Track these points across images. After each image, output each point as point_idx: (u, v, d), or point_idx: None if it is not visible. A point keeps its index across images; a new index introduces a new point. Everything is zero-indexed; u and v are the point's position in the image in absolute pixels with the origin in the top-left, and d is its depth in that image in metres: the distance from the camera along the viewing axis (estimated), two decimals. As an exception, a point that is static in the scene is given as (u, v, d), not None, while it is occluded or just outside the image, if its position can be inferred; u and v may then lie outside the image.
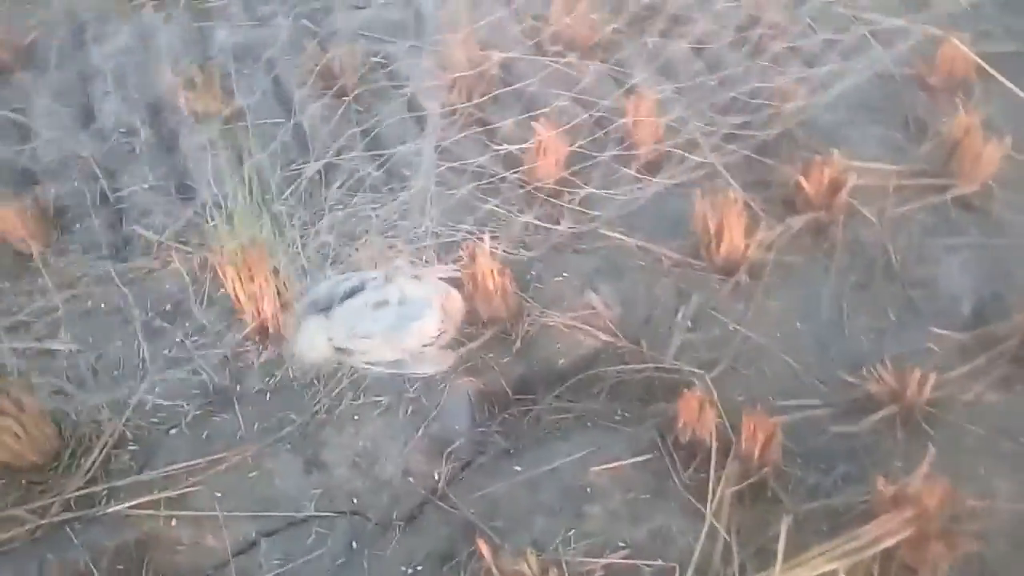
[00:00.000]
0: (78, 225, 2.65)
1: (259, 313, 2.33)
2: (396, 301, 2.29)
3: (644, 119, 2.98)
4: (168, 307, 2.48)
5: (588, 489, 2.20)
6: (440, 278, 2.44)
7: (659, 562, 2.05)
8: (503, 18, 3.54)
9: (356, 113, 3.11)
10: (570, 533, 2.10)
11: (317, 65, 3.15)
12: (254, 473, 2.17)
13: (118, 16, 3.29)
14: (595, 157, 3.06)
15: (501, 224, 2.79)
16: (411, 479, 2.20)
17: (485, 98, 3.18)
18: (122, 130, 2.91)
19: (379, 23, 3.49)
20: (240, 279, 2.26)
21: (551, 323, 2.52)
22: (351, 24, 3.44)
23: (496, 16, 3.54)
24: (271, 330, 2.38)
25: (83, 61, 3.19)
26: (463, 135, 3.03)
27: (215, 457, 2.16)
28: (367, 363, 2.25)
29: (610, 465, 2.23)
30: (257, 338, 2.39)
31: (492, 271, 2.37)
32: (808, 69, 3.32)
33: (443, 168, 2.88)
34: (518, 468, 2.23)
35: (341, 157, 2.89)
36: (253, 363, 2.37)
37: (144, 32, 3.29)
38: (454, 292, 2.38)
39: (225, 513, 2.09)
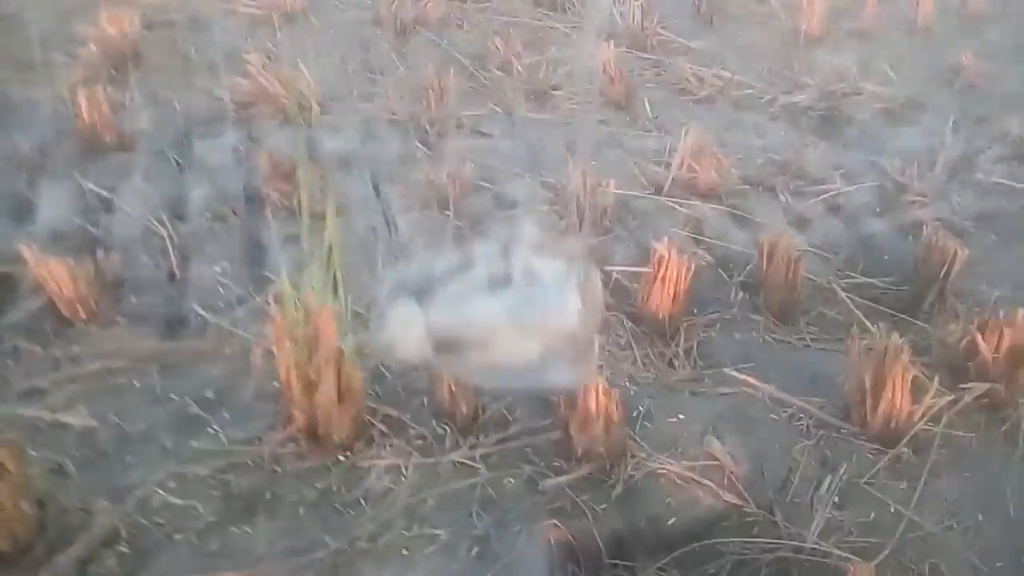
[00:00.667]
0: (134, 298, 2.36)
1: (312, 408, 1.93)
2: (520, 277, 1.31)
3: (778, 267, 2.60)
4: (210, 394, 2.10)
5: None
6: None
7: None
8: (622, 157, 3.32)
9: (456, 228, 2.84)
10: None
11: (423, 179, 2.94)
12: (265, 603, 1.68)
13: (227, 118, 3.21)
14: (717, 298, 2.67)
15: (606, 357, 2.37)
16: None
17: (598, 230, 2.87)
18: (207, 215, 2.70)
19: (494, 152, 3.31)
20: (296, 365, 1.88)
21: (661, 470, 2.02)
22: (464, 147, 3.27)
23: (615, 155, 3.33)
24: (321, 431, 1.96)
25: (186, 152, 3.07)
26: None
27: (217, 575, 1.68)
28: (484, 367, 1.31)
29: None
30: (304, 439, 1.97)
31: (597, 388, 1.93)
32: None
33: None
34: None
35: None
36: (293, 468, 1.94)
37: (253, 133, 3.19)
38: (595, 274, 1.41)
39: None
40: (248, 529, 1.81)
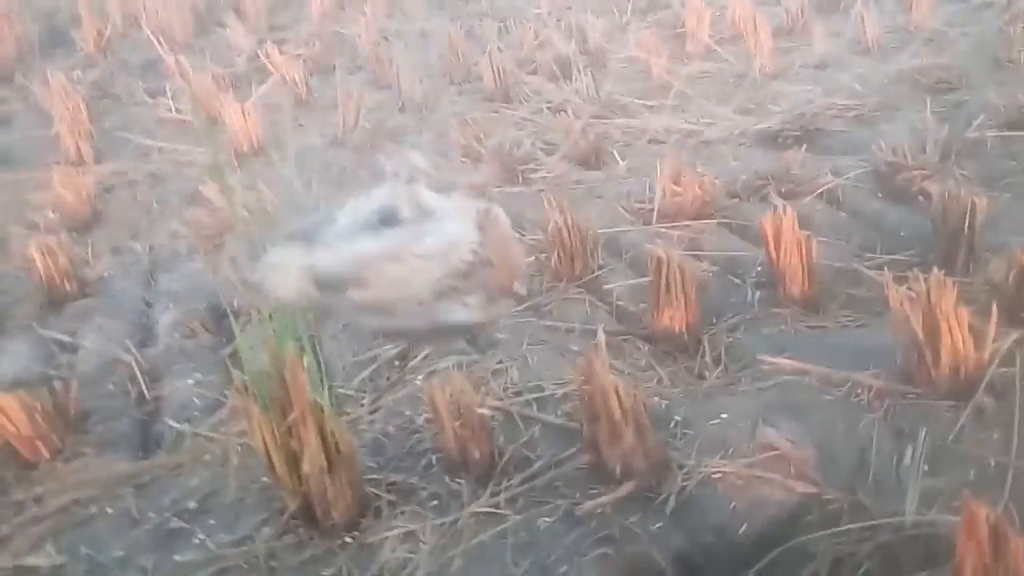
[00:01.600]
0: (101, 427, 2.14)
1: (301, 486, 1.67)
2: (411, 214, 1.23)
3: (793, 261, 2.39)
4: (192, 504, 1.84)
5: None
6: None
7: None
8: (602, 205, 3.18)
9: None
10: None
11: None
12: None
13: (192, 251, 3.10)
14: (733, 303, 2.45)
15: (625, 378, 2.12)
16: None
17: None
18: (176, 334, 2.51)
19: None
20: (271, 433, 1.65)
21: (716, 474, 1.73)
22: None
23: (595, 205, 3.19)
24: (318, 512, 1.69)
25: (151, 288, 2.93)
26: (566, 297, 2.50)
27: None
28: (370, 304, 1.18)
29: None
30: (302, 526, 1.70)
31: (618, 390, 1.67)
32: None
33: (544, 324, 2.32)
34: None
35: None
36: (293, 560, 1.65)
37: (219, 258, 3.06)
38: (498, 210, 1.31)
39: None
40: (248, 635, 1.51)
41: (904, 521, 1.62)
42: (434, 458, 1.87)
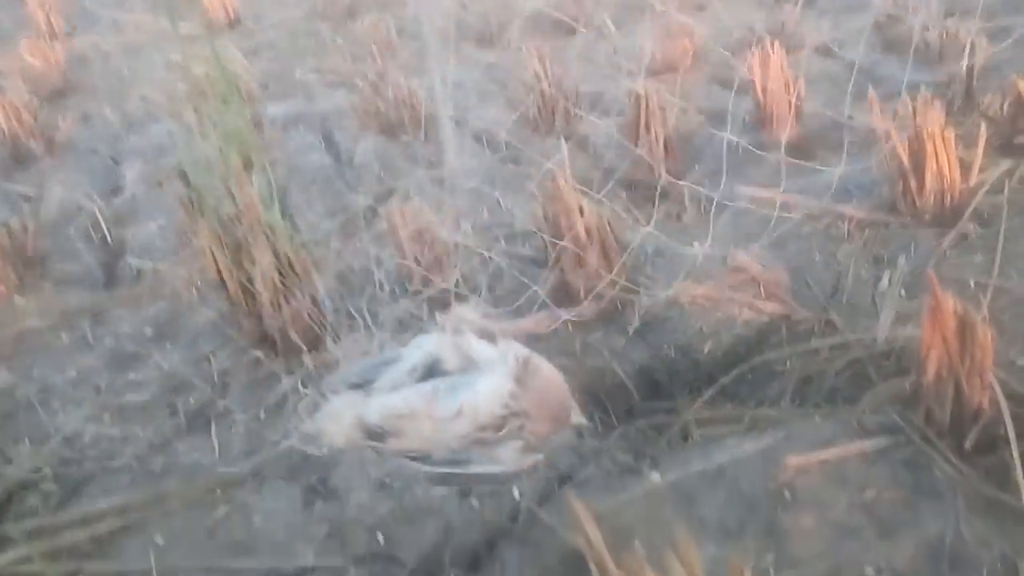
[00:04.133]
0: (60, 266, 2.10)
1: (256, 306, 1.62)
2: (456, 365, 1.38)
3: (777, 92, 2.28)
4: (149, 331, 1.81)
5: (786, 493, 1.23)
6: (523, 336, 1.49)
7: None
8: (595, 62, 3.05)
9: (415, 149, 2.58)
10: (767, 559, 1.12)
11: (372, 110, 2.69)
12: (222, 510, 1.34)
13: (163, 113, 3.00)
14: (716, 153, 2.35)
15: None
16: (474, 502, 1.30)
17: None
18: (143, 185, 2.45)
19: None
20: (226, 252, 1.59)
21: (684, 297, 1.67)
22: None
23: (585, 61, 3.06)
24: (275, 334, 1.65)
25: (120, 148, 2.85)
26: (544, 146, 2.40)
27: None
28: (405, 454, 1.31)
29: (819, 454, 1.27)
30: (260, 347, 1.66)
31: (581, 207, 1.60)
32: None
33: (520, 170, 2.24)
34: (656, 476, 1.30)
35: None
36: (249, 378, 1.62)
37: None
38: (538, 359, 1.38)
39: (166, 565, 1.24)
40: (200, 440, 1.49)
41: (875, 339, 1.56)
42: (397, 288, 1.81)
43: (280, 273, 1.61)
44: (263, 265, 1.58)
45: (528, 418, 1.35)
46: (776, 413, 1.49)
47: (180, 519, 1.32)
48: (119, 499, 1.36)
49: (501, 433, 1.33)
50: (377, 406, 1.35)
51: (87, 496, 1.38)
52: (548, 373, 1.40)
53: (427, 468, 1.33)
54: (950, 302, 1.26)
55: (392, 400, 1.35)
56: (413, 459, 1.33)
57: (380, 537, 1.25)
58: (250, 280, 1.62)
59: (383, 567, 1.21)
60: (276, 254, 1.61)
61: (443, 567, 1.22)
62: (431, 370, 1.38)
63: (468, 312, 1.49)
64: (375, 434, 1.35)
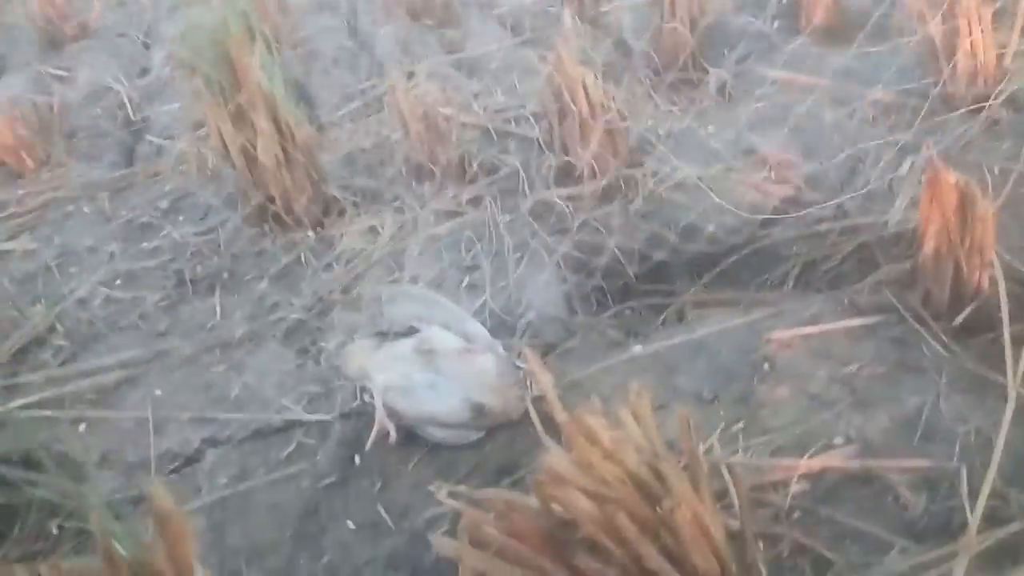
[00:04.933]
0: (86, 143, 2.14)
1: (262, 177, 1.64)
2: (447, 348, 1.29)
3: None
4: (164, 204, 1.85)
5: (766, 364, 1.22)
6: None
7: (926, 462, 1.02)
8: None
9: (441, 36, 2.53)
10: (736, 427, 1.13)
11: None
12: (220, 368, 1.39)
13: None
14: (747, 36, 2.26)
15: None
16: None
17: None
18: (168, 68, 2.47)
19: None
20: (229, 118, 1.60)
21: (690, 178, 1.64)
22: None
23: None
24: (281, 208, 1.67)
25: (152, 33, 2.86)
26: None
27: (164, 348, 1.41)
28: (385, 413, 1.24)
29: (804, 330, 1.26)
30: (268, 221, 1.69)
31: (584, 82, 1.56)
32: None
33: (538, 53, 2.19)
34: (638, 348, 1.30)
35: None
36: (255, 248, 1.66)
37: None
38: (485, 358, 1.25)
39: (161, 415, 1.30)
40: (202, 305, 1.54)
41: (887, 222, 1.51)
42: (403, 168, 1.81)
43: (283, 143, 1.62)
44: (265, 136, 1.59)
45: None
46: (774, 296, 1.48)
47: (179, 374, 1.39)
48: (124, 355, 1.42)
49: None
50: (380, 370, 1.27)
51: (95, 352, 1.45)
52: (486, 366, 1.26)
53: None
54: (950, 175, 1.21)
55: (393, 373, 1.27)
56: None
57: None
58: (252, 146, 1.63)
59: (367, 421, 1.24)
60: (276, 121, 1.61)
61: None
62: (427, 352, 1.28)
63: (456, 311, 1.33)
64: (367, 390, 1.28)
